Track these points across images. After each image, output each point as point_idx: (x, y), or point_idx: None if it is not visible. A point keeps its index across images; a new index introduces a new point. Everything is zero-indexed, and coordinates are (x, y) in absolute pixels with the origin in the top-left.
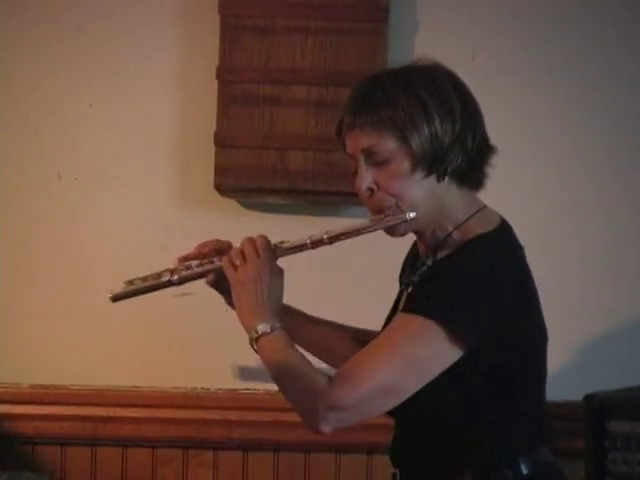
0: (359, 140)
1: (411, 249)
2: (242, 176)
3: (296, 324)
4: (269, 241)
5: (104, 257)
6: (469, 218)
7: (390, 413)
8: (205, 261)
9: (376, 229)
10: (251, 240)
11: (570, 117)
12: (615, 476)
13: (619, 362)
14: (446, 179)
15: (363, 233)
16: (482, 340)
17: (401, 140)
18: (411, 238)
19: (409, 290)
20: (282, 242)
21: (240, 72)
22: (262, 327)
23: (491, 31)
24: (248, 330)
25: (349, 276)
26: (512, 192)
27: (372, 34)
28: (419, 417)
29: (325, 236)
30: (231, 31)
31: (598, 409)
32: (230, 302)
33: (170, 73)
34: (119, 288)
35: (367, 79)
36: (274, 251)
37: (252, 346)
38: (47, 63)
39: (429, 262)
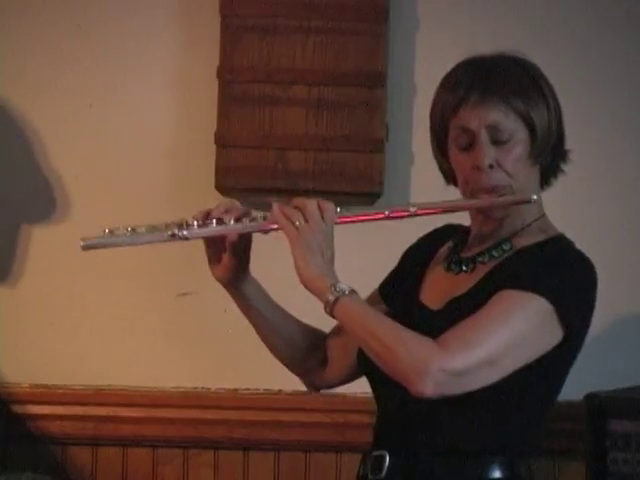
0: (487, 115)
1: (440, 235)
2: (243, 176)
3: (270, 303)
4: (334, 207)
5: (104, 257)
6: (542, 216)
7: (390, 392)
8: (231, 220)
9: (489, 206)
10: (314, 201)
11: (569, 118)
12: (616, 476)
13: (620, 362)
14: (539, 174)
15: (466, 209)
16: (575, 331)
17: (526, 123)
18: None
19: (469, 270)
20: (346, 209)
21: (240, 72)
22: (341, 286)
23: (492, 32)
24: (320, 291)
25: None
26: None
27: (372, 34)
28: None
29: (412, 209)
30: (232, 31)
31: (599, 409)
32: (241, 267)
33: (170, 73)
34: (96, 237)
35: (482, 61)
36: (337, 215)
37: (328, 308)
38: (47, 63)
39: (506, 246)
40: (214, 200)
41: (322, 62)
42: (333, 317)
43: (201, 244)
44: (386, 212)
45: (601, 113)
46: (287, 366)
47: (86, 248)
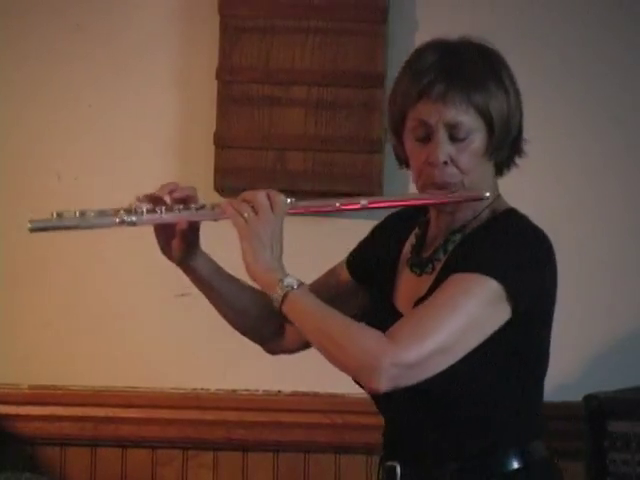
0: (447, 112)
1: (409, 218)
2: (242, 176)
3: (222, 276)
4: (285, 197)
5: (104, 257)
6: (495, 199)
7: (390, 402)
8: (180, 206)
9: (441, 202)
10: (263, 193)
11: (570, 118)
12: (615, 476)
13: (619, 362)
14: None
15: (419, 204)
16: (527, 302)
17: (485, 119)
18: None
19: (430, 270)
20: (297, 200)
21: (240, 72)
22: (289, 281)
23: (491, 31)
24: (269, 286)
25: None
26: (511, 193)
27: (372, 34)
28: (432, 404)
29: (363, 202)
30: (231, 31)
31: (598, 409)
32: (191, 247)
33: (170, 73)
34: (44, 219)
35: (439, 48)
36: (289, 208)
37: (277, 304)
38: (46, 63)
39: (456, 238)
40: (214, 200)
41: (321, 62)
42: (282, 313)
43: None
44: (337, 204)
45: (599, 110)
46: (242, 334)
47: (34, 230)
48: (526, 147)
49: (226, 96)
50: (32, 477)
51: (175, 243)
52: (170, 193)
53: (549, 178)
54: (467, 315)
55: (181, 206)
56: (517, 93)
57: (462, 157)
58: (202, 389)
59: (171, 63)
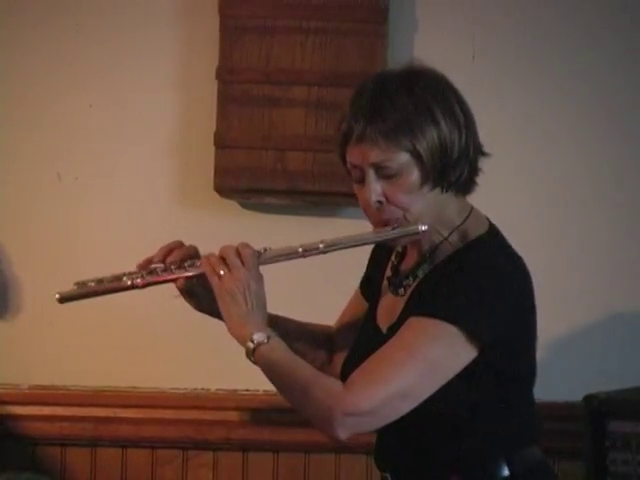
0: (369, 153)
1: (386, 251)
2: (242, 177)
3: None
4: (254, 250)
5: (104, 257)
6: (464, 221)
7: None
8: (174, 266)
9: (384, 240)
10: (233, 249)
11: (570, 117)
12: (615, 476)
13: (619, 362)
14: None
15: (366, 244)
16: (494, 339)
17: (413, 154)
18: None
19: (402, 293)
20: (265, 250)
21: (240, 72)
22: (258, 336)
23: (491, 31)
24: (242, 341)
25: (332, 282)
26: (511, 192)
27: (372, 34)
28: (414, 419)
29: (321, 245)
30: (231, 31)
31: (598, 410)
32: (199, 308)
33: (170, 73)
34: (68, 289)
35: (369, 86)
36: (258, 258)
37: (249, 357)
38: (46, 63)
39: (427, 265)
40: (214, 201)
41: (321, 63)
42: (254, 363)
43: (198, 240)
44: (299, 250)
45: (601, 111)
46: None
47: (62, 301)
48: (527, 147)
49: (226, 96)
50: (32, 477)
51: (184, 296)
52: (166, 256)
53: (550, 178)
54: (424, 359)
55: (174, 266)
56: (455, 119)
57: (396, 194)
58: (202, 389)
59: (171, 63)
